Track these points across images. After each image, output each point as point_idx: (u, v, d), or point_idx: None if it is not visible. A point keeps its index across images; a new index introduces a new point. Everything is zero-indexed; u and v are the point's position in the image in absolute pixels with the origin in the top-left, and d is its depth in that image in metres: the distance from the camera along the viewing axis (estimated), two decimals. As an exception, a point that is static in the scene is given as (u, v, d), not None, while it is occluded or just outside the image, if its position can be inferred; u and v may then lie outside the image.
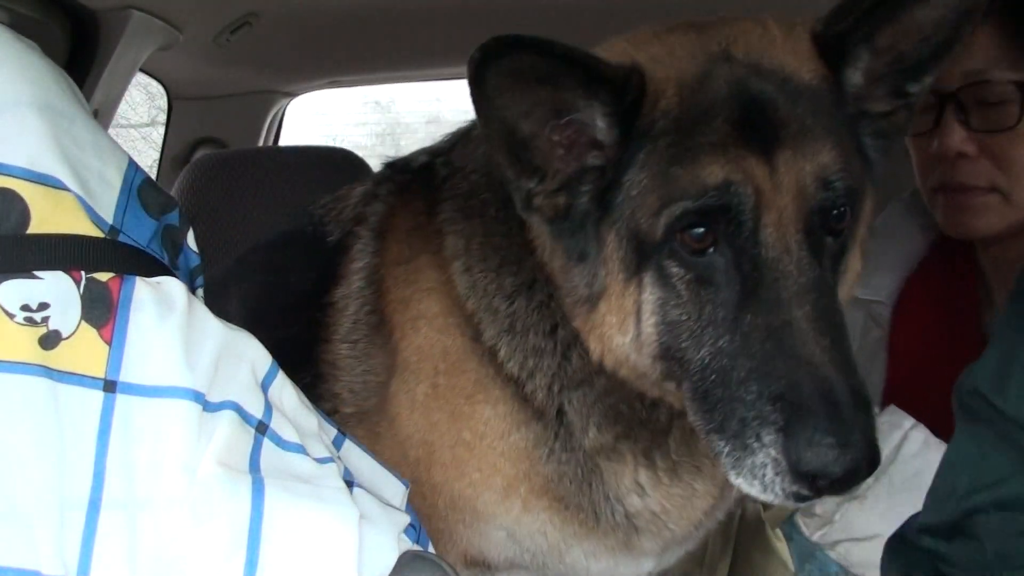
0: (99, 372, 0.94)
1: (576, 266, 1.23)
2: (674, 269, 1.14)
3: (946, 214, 1.69)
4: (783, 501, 1.08)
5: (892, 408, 1.59)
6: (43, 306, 0.93)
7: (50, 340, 0.93)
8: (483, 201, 1.41)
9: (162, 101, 3.61)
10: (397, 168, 1.64)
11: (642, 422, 1.36)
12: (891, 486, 1.47)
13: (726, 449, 1.10)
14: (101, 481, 0.92)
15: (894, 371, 1.86)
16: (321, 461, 1.06)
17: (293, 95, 3.79)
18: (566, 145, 1.18)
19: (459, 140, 1.54)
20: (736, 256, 1.12)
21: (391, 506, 1.12)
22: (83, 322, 0.95)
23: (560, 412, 1.36)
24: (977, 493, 1.01)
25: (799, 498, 1.07)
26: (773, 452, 1.05)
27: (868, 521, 1.49)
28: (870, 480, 1.44)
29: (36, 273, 0.93)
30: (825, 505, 1.53)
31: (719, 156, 1.10)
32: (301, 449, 1.04)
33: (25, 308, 0.92)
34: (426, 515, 1.41)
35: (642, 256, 1.16)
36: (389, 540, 1.02)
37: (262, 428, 1.02)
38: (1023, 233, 1.62)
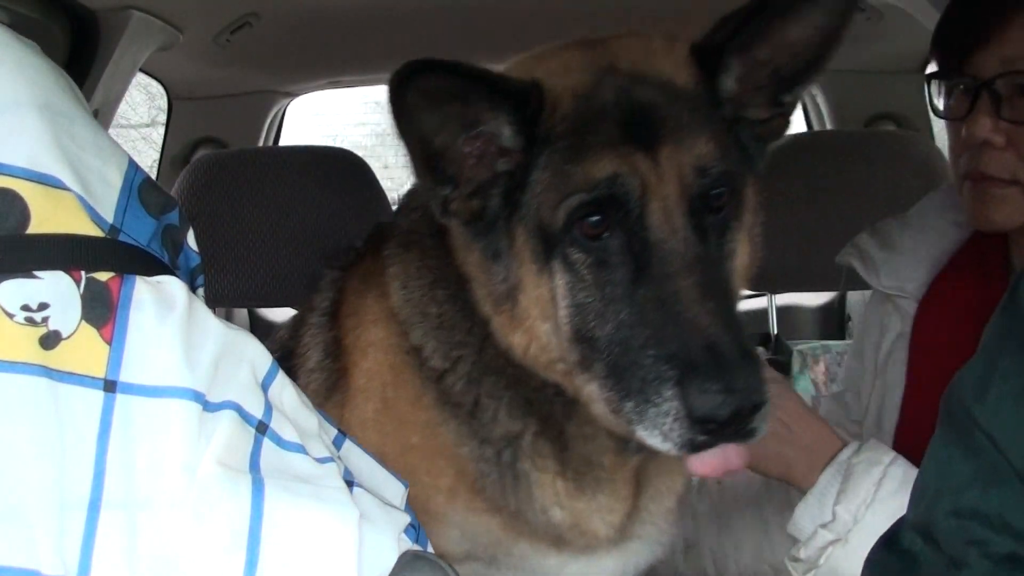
0: (99, 372, 0.94)
1: (493, 264, 1.36)
2: (576, 255, 1.28)
3: (970, 203, 1.67)
4: (679, 449, 1.20)
5: (873, 443, 1.55)
6: (43, 306, 0.93)
7: (50, 340, 0.93)
8: (420, 234, 1.55)
9: (162, 101, 3.61)
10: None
11: (549, 415, 1.46)
12: (873, 527, 1.40)
13: (630, 406, 1.23)
14: (101, 481, 0.92)
15: (917, 368, 1.81)
16: (321, 461, 1.06)
17: (293, 95, 3.79)
18: (477, 155, 1.31)
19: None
20: (628, 239, 1.26)
21: (391, 506, 1.12)
22: (83, 322, 0.95)
23: (476, 403, 1.47)
24: (941, 498, 1.02)
25: (694, 446, 1.20)
26: (671, 404, 1.18)
27: (851, 564, 1.43)
28: (850, 522, 1.48)
29: (36, 273, 0.93)
30: (809, 550, 1.51)
31: (608, 153, 1.26)
32: (301, 449, 1.04)
33: (25, 308, 0.92)
34: None
35: (548, 246, 1.29)
36: (389, 540, 1.02)
37: (262, 428, 1.02)
38: None
